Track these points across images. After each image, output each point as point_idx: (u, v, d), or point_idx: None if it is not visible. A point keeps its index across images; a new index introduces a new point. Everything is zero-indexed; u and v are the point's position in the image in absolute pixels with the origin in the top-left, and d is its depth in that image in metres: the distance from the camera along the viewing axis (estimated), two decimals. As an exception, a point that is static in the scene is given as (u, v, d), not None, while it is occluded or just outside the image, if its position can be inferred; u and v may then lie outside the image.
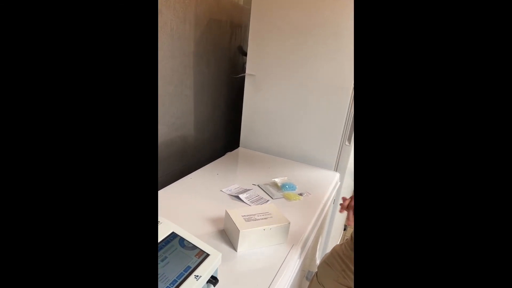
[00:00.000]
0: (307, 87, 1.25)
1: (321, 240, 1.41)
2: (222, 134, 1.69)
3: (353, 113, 1.20)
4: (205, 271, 0.53)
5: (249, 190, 1.01)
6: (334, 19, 1.12)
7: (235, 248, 0.72)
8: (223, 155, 1.35)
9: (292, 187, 1.07)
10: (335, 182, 1.23)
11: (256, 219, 0.74)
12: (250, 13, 1.26)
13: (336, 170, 1.32)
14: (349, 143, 1.24)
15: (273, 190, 1.03)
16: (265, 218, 0.75)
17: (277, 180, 1.10)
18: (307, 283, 0.99)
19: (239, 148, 1.47)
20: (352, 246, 0.82)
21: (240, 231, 0.69)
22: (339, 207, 0.76)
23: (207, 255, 0.56)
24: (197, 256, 0.55)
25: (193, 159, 1.47)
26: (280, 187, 1.06)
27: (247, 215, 0.75)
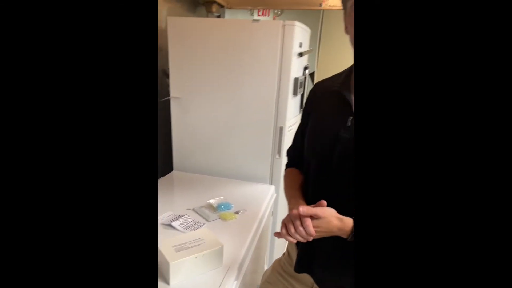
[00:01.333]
0: (234, 105, 1.28)
1: (267, 253, 1.44)
2: (155, 159, 1.62)
3: (279, 127, 1.26)
4: (129, 316, 0.50)
5: (183, 216, 0.99)
6: (251, 39, 1.18)
7: (167, 282, 0.69)
8: (156, 181, 1.30)
9: (228, 206, 1.07)
10: (271, 194, 1.27)
11: (187, 247, 0.72)
12: (169, 37, 1.26)
13: (271, 182, 1.36)
14: (279, 155, 1.30)
15: (208, 212, 1.02)
16: (197, 245, 0.73)
17: (212, 201, 1.09)
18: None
19: (173, 171, 1.43)
20: (290, 261, 0.83)
21: (170, 263, 0.66)
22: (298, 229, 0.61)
23: (132, 297, 0.53)
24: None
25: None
26: (216, 208, 1.05)
27: (178, 245, 0.73)
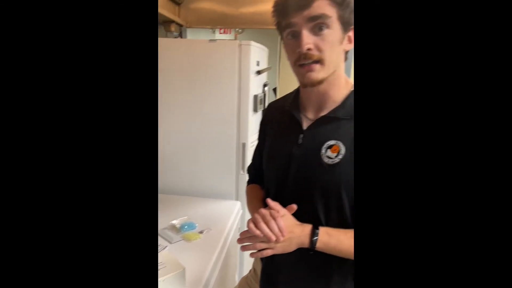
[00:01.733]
0: (195, 123, 1.28)
1: (237, 271, 1.42)
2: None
3: (242, 143, 1.28)
4: None
5: (144, 240, 0.96)
6: (210, 59, 1.20)
7: (126, 312, 0.66)
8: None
9: (192, 226, 1.06)
10: (237, 210, 1.27)
11: (147, 274, 0.70)
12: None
13: (237, 199, 1.36)
14: (244, 171, 1.31)
15: (171, 234, 1.00)
16: (157, 270, 0.71)
17: (175, 222, 1.07)
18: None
19: (136, 194, 1.39)
20: (256, 278, 0.83)
21: (128, 292, 0.64)
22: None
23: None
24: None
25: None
26: (179, 229, 1.03)
27: (137, 272, 0.70)
